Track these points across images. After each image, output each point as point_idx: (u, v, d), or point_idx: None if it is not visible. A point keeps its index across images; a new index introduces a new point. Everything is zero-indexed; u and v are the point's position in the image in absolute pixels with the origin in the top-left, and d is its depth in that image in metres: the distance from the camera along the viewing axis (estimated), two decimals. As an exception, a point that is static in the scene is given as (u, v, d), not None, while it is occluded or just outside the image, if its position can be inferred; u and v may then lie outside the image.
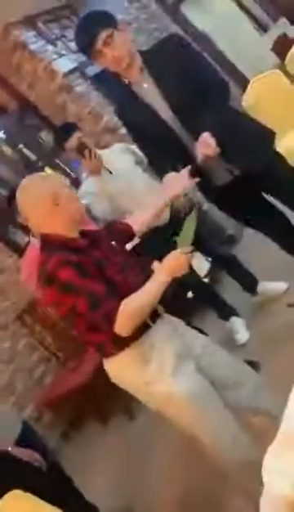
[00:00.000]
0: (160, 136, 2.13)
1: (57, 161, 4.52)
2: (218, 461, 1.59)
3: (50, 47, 4.40)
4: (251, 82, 3.60)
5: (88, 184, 2.84)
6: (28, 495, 1.21)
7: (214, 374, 1.61)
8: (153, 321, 1.57)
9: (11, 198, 2.59)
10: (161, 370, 1.53)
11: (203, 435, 1.55)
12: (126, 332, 1.46)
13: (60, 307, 1.50)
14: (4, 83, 4.53)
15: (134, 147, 2.87)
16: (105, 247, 1.62)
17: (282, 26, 6.10)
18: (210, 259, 3.70)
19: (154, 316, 1.58)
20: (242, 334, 2.95)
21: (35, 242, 2.54)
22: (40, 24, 4.50)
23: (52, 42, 4.50)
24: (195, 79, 2.03)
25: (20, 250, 3.85)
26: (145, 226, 1.84)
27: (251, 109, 3.19)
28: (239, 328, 2.97)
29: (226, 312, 3.07)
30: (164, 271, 1.52)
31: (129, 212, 2.42)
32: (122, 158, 2.83)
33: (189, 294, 3.52)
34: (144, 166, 2.87)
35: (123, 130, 4.29)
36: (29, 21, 4.41)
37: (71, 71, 4.31)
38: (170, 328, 1.62)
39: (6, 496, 1.28)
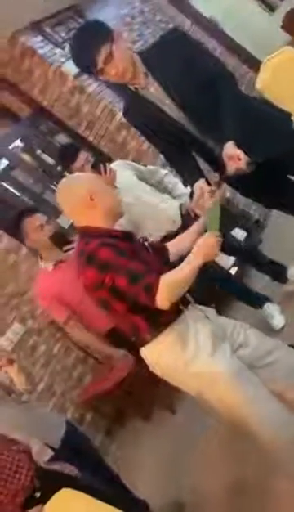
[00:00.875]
0: (173, 135, 2.10)
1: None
2: (263, 441, 1.58)
3: (58, 50, 4.41)
4: (263, 61, 3.51)
5: None
6: (78, 492, 1.21)
7: (249, 354, 1.64)
8: (185, 307, 1.62)
9: (17, 221, 2.62)
10: (199, 350, 1.57)
11: (246, 415, 1.56)
12: (167, 305, 1.51)
13: (100, 289, 1.56)
14: (16, 90, 4.57)
15: (134, 163, 2.98)
16: (138, 245, 1.69)
17: (289, 2, 5.95)
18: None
19: (185, 302, 1.63)
20: (277, 319, 2.92)
21: (47, 266, 2.55)
22: (46, 29, 4.52)
23: (60, 46, 4.51)
24: (198, 73, 1.97)
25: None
26: (180, 253, 1.81)
27: (266, 89, 3.10)
28: (274, 313, 2.94)
29: (258, 300, 3.04)
30: (196, 255, 1.56)
31: (141, 224, 2.44)
32: (123, 174, 2.83)
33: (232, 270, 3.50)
34: (146, 180, 2.87)
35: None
36: (36, 27, 4.43)
37: (81, 72, 4.30)
38: (201, 314, 1.67)
39: (56, 495, 1.28)
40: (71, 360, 3.78)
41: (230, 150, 1.85)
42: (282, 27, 5.16)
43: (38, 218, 2.60)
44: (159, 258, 1.72)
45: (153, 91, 2.03)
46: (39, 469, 1.67)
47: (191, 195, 2.48)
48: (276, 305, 2.97)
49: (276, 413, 1.58)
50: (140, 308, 1.57)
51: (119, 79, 1.99)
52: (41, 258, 2.63)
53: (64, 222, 4.32)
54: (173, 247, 1.82)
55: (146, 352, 1.64)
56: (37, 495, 1.59)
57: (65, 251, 2.62)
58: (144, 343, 1.62)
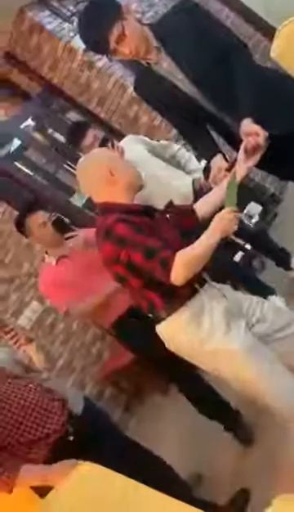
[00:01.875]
0: (188, 110, 2.05)
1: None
2: (280, 416, 1.61)
3: (66, 25, 4.32)
4: (278, 29, 3.39)
5: None
6: (97, 466, 1.23)
7: (266, 328, 1.65)
8: (201, 286, 1.62)
9: (22, 218, 2.62)
10: (214, 328, 1.58)
11: (263, 391, 1.57)
12: (182, 281, 1.52)
13: (116, 264, 1.57)
14: (25, 68, 4.51)
15: (146, 138, 2.91)
16: (157, 220, 1.68)
17: None
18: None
19: (201, 281, 1.63)
20: None
21: (51, 260, 2.54)
22: (54, 3, 4.43)
23: (68, 20, 4.42)
24: (211, 46, 1.90)
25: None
26: (210, 210, 1.77)
27: (281, 57, 3.00)
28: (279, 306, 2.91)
29: (263, 291, 3.00)
30: (214, 230, 1.56)
31: (152, 201, 2.41)
32: (134, 149, 2.77)
33: (238, 257, 3.49)
34: (159, 155, 2.82)
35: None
36: (42, 1, 4.34)
37: (90, 47, 4.22)
38: (217, 291, 1.67)
39: (77, 468, 1.31)
40: (89, 337, 3.82)
41: (248, 127, 1.80)
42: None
43: (41, 216, 2.61)
44: (182, 228, 1.71)
45: (166, 66, 1.98)
46: (73, 417, 1.81)
47: (205, 169, 2.42)
48: (280, 297, 2.93)
49: (292, 388, 1.58)
50: (156, 285, 1.57)
51: (132, 57, 1.94)
52: (46, 253, 2.64)
53: (77, 200, 4.31)
54: (201, 207, 1.79)
55: (161, 329, 1.64)
56: (71, 438, 1.75)
57: (66, 238, 2.62)
58: (159, 320, 1.63)
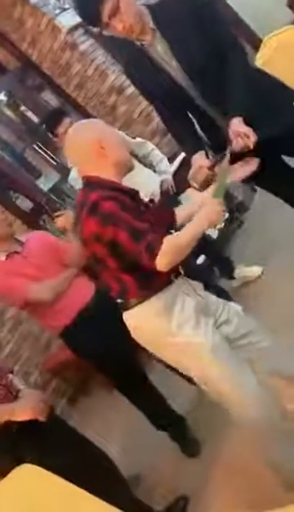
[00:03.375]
0: (176, 100, 2.00)
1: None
2: (238, 416, 1.58)
3: (52, 1, 4.17)
4: (266, 38, 3.40)
5: None
6: (39, 469, 1.17)
7: (232, 331, 1.64)
8: (176, 278, 1.59)
9: None
10: (185, 320, 1.55)
11: (226, 387, 1.55)
12: (166, 267, 1.47)
13: (97, 243, 1.49)
14: (4, 41, 4.33)
15: (121, 134, 2.84)
16: (142, 205, 1.62)
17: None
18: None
19: (177, 273, 1.60)
20: None
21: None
22: (41, -23, 4.26)
23: (55, -4, 4.27)
24: (210, 38, 1.87)
25: (23, 216, 3.78)
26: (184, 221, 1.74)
27: (267, 66, 3.01)
28: None
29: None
30: (202, 219, 1.54)
31: None
32: None
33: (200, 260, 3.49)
34: (132, 152, 2.79)
35: (130, 90, 4.13)
36: (30, -27, 4.17)
37: (75, 27, 4.10)
38: (189, 286, 1.63)
39: (17, 469, 1.25)
40: (39, 326, 3.71)
41: (238, 126, 1.78)
42: (289, 5, 4.99)
43: None
44: (163, 221, 1.67)
45: (160, 50, 1.92)
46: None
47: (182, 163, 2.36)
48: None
49: (255, 390, 1.57)
50: (133, 268, 1.52)
51: (126, 34, 1.87)
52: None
53: (44, 184, 4.19)
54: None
55: (129, 316, 1.59)
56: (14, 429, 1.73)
57: None
58: (128, 306, 1.58)
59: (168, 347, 1.57)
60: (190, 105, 2.01)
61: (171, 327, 1.54)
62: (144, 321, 1.57)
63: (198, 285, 1.69)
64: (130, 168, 1.67)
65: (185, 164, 3.96)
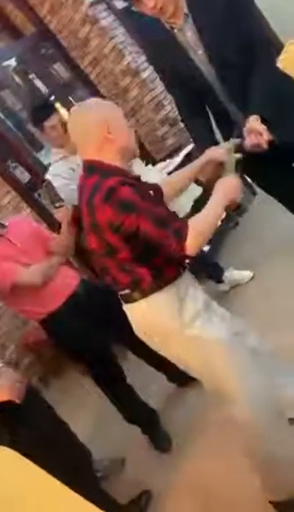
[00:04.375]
0: (197, 90, 1.94)
1: (70, 98, 4.26)
2: (239, 412, 1.52)
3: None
4: (288, 43, 3.34)
5: (60, 166, 2.63)
6: (12, 452, 1.14)
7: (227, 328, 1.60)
8: (183, 270, 1.55)
9: None
10: (197, 314, 1.50)
11: (233, 382, 1.50)
12: (195, 251, 1.40)
13: (113, 233, 1.40)
14: (23, 4, 4.19)
15: None
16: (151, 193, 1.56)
17: None
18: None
19: (184, 265, 1.55)
20: None
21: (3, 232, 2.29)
22: None
23: None
24: (241, 31, 1.82)
25: (18, 187, 3.69)
26: (173, 194, 1.72)
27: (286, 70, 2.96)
28: None
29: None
30: (222, 197, 1.48)
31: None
32: None
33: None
34: None
35: (145, 74, 4.05)
36: None
37: (98, 1, 3.99)
38: (193, 280, 1.59)
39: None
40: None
41: (254, 124, 1.73)
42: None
43: None
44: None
45: (189, 36, 1.86)
46: None
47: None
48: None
49: (262, 391, 1.53)
50: (148, 259, 1.46)
51: (157, 15, 1.80)
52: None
53: (44, 157, 4.09)
54: (167, 187, 1.69)
55: (137, 307, 1.51)
56: None
57: None
58: (137, 297, 1.50)
59: (178, 339, 1.50)
60: (210, 97, 1.97)
61: (183, 319, 1.48)
62: (155, 311, 1.50)
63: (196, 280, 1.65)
64: (134, 155, 1.61)
65: (189, 159, 3.96)
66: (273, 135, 1.76)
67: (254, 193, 4.14)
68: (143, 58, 4.03)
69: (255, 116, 1.77)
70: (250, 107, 1.80)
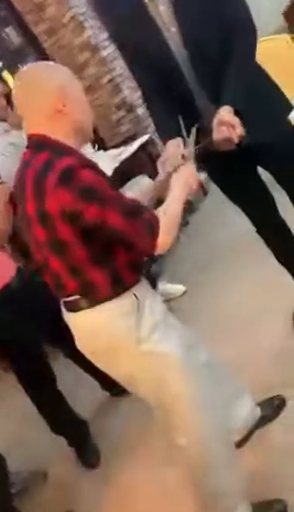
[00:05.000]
0: (164, 71, 1.72)
1: (20, 66, 3.90)
2: (188, 438, 1.35)
3: None
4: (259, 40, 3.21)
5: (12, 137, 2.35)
6: None
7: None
8: (142, 274, 1.33)
9: None
10: (155, 326, 1.29)
11: (186, 401, 1.32)
12: (166, 247, 1.22)
13: (69, 223, 1.15)
14: None
15: None
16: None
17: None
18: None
19: (143, 268, 1.34)
20: None
21: None
22: None
23: None
24: (222, 12, 1.62)
25: None
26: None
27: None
28: None
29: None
30: (180, 187, 1.31)
31: None
32: None
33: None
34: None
35: (105, 52, 3.76)
36: None
37: None
38: (149, 286, 1.38)
39: None
40: None
41: (226, 115, 1.54)
42: (284, 14, 4.87)
43: None
44: None
45: (162, 10, 1.63)
46: None
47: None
48: None
49: (216, 426, 1.38)
50: (105, 260, 1.22)
51: None
52: None
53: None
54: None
55: (84, 317, 1.27)
56: None
57: None
58: (86, 305, 1.26)
59: (131, 355, 1.28)
60: (178, 82, 1.75)
61: (140, 332, 1.26)
62: (107, 323, 1.27)
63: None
64: (90, 138, 1.35)
65: (144, 149, 3.74)
66: (246, 131, 1.58)
67: (205, 193, 4.05)
68: (105, 35, 3.75)
69: (227, 107, 1.58)
70: (224, 96, 1.60)
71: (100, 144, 3.69)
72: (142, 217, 1.18)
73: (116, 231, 1.16)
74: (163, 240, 1.19)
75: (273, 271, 2.07)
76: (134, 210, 1.17)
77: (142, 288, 1.31)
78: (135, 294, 1.27)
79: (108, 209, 1.13)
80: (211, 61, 1.67)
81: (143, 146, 3.63)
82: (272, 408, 1.72)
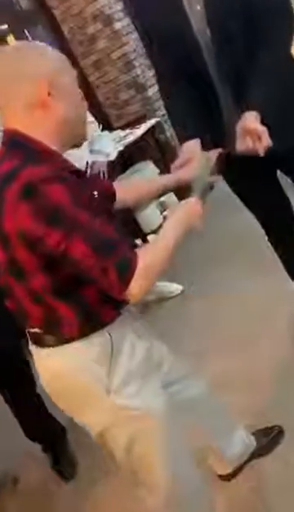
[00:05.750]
0: (184, 52, 1.52)
1: (26, 33, 3.67)
2: (155, 490, 1.21)
3: None
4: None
5: None
6: None
7: (163, 375, 1.27)
8: (122, 308, 1.11)
9: None
10: (131, 376, 1.09)
11: (159, 468, 1.18)
12: (140, 297, 0.98)
13: (28, 244, 0.94)
14: None
15: None
16: (89, 191, 1.08)
17: None
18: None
19: (124, 303, 1.08)
20: None
21: None
22: None
23: None
24: (256, 3, 1.41)
25: None
26: (133, 200, 1.34)
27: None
28: None
29: None
30: (182, 223, 1.12)
31: None
32: None
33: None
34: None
35: (119, 25, 3.51)
36: None
37: None
38: (136, 322, 1.18)
39: None
40: None
41: (252, 123, 1.34)
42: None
43: None
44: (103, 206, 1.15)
45: None
46: None
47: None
48: None
49: (191, 476, 1.24)
50: (72, 292, 1.02)
51: None
52: None
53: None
54: (127, 193, 1.29)
55: (47, 358, 1.08)
56: None
57: None
58: (52, 343, 1.06)
59: (98, 407, 1.09)
60: (197, 65, 1.54)
61: (111, 382, 1.06)
62: (73, 367, 1.07)
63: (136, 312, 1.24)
64: (82, 138, 1.13)
65: (152, 134, 3.53)
66: (273, 140, 1.38)
67: (210, 187, 3.86)
68: (119, 6, 3.50)
69: (253, 113, 1.38)
70: (250, 96, 1.40)
71: (106, 124, 3.48)
72: (115, 252, 0.95)
73: (79, 264, 0.94)
74: (138, 285, 0.95)
75: (273, 272, 1.98)
76: (107, 242, 0.95)
77: (123, 324, 1.10)
78: (110, 334, 1.06)
79: (74, 237, 0.92)
80: (234, 41, 1.46)
81: (150, 130, 3.42)
82: (267, 440, 1.59)
